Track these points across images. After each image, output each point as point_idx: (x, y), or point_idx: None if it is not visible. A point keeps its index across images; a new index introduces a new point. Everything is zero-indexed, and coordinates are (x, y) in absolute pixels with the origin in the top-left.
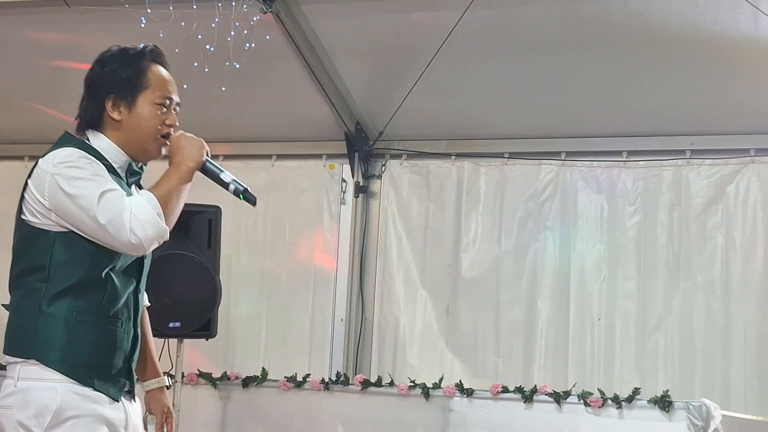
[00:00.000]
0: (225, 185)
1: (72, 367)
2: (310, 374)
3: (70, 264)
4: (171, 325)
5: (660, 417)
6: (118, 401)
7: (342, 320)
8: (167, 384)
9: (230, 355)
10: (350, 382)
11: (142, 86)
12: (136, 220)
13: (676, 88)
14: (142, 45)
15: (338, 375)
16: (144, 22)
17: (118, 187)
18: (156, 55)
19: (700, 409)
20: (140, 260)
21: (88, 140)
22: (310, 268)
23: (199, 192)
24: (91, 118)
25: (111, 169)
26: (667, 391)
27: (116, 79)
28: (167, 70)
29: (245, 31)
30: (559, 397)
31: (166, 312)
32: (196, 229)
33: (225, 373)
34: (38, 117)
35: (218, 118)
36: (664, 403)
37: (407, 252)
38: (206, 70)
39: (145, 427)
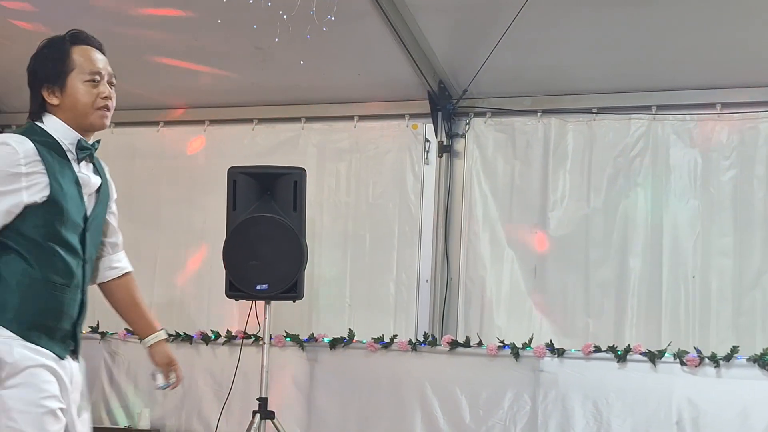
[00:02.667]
0: None
1: (22, 326)
2: (397, 335)
3: (21, 233)
4: (258, 287)
5: (759, 375)
6: (63, 359)
7: (427, 281)
8: (164, 337)
9: (314, 317)
10: (438, 342)
11: (68, 69)
12: None
13: None
14: (67, 31)
15: (425, 336)
16: None
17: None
18: (78, 38)
19: None
20: (83, 234)
21: (41, 123)
22: (394, 229)
23: (284, 154)
24: (35, 107)
25: (58, 149)
26: None
27: (45, 68)
28: (98, 48)
29: None
30: (653, 356)
31: (253, 274)
32: (282, 192)
33: (312, 334)
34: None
35: (301, 80)
36: (763, 361)
37: (493, 211)
38: (290, 31)
39: (154, 379)
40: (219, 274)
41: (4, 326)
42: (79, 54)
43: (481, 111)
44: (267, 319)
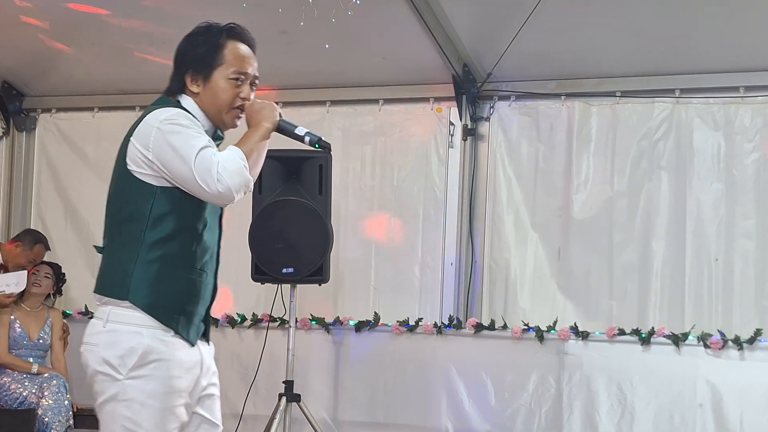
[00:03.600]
0: (300, 138)
1: (159, 310)
2: (422, 318)
3: (167, 216)
4: (284, 270)
5: None
6: (194, 345)
7: (452, 264)
8: None
9: (339, 300)
10: (463, 326)
11: (217, 63)
12: (225, 169)
13: None
14: (226, 23)
15: (450, 319)
16: None
17: (212, 144)
18: (235, 33)
19: None
20: (220, 219)
21: (180, 103)
22: (419, 212)
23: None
24: (175, 88)
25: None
26: None
27: (195, 55)
28: (249, 45)
29: None
30: (677, 339)
31: (279, 258)
32: (307, 175)
33: (337, 317)
34: (148, 67)
35: (325, 64)
36: None
37: (517, 194)
38: (315, 15)
39: None
40: (246, 257)
41: (141, 309)
42: (230, 50)
43: (505, 94)
44: (293, 303)
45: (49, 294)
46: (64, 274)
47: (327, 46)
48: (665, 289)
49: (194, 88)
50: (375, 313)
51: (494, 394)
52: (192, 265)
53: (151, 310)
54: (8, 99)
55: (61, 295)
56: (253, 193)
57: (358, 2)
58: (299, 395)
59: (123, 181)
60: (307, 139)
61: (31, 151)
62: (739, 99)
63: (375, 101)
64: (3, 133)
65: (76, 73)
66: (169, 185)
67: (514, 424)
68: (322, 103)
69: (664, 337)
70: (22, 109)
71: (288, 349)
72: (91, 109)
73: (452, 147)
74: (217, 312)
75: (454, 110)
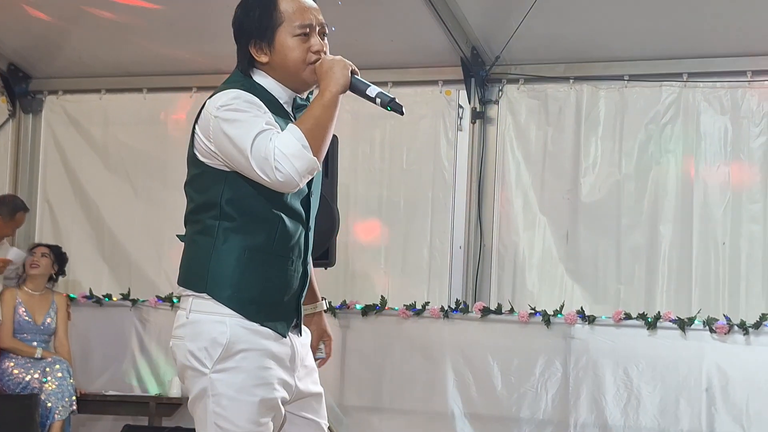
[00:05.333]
0: (372, 99)
1: (242, 304)
2: (429, 302)
3: (241, 202)
4: None
5: None
6: (285, 337)
7: (460, 247)
8: (324, 308)
9: (349, 283)
10: (470, 309)
11: (276, 23)
12: (282, 155)
13: None
14: None
15: (458, 303)
16: None
17: (274, 126)
18: None
19: None
20: (307, 199)
21: (252, 78)
22: (428, 196)
23: None
24: (243, 64)
25: (277, 106)
26: None
27: (251, 21)
28: None
29: None
30: (683, 324)
31: None
32: None
33: (344, 301)
34: (155, 49)
35: (333, 47)
36: None
37: (525, 177)
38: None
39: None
40: None
41: (222, 304)
42: (287, 4)
43: (514, 77)
44: None
45: (51, 276)
46: (64, 253)
47: (333, 28)
48: (672, 273)
49: (262, 58)
50: (381, 296)
51: (501, 378)
52: (274, 252)
53: (232, 303)
54: (14, 81)
55: (65, 275)
56: None
57: None
58: None
59: (194, 169)
60: (378, 100)
61: (38, 134)
62: (746, 83)
63: (384, 84)
64: (9, 115)
65: (83, 55)
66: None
67: (521, 409)
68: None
69: (670, 321)
70: (28, 91)
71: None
72: (98, 91)
73: (461, 130)
74: None
75: (463, 93)
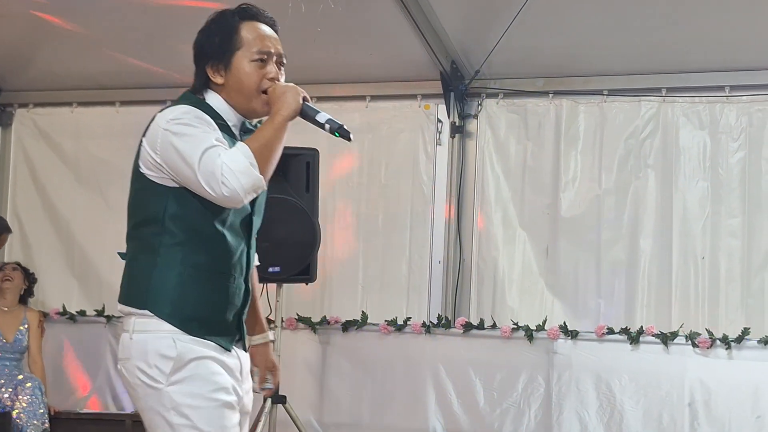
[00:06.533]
0: (321, 125)
1: (183, 321)
2: (410, 317)
3: (183, 219)
4: (270, 269)
5: None
6: (229, 351)
7: (439, 262)
8: (272, 339)
9: (327, 299)
10: (451, 325)
11: (235, 47)
12: (229, 170)
13: None
14: (238, 5)
15: (439, 318)
16: None
17: (222, 143)
18: (249, 13)
19: None
20: (249, 218)
21: (204, 99)
22: (406, 210)
23: (296, 134)
24: (198, 84)
25: (225, 128)
26: None
27: (212, 44)
28: (269, 24)
29: None
30: (666, 338)
31: (265, 256)
32: (294, 173)
33: (324, 317)
34: (128, 62)
35: (312, 60)
36: None
37: (505, 192)
38: (303, 10)
39: (252, 379)
40: None
41: (163, 320)
42: (247, 30)
43: (494, 92)
44: (279, 302)
45: (22, 292)
46: (33, 274)
47: (314, 40)
48: (652, 287)
49: (218, 79)
50: (363, 312)
51: (483, 394)
52: (215, 269)
53: (173, 320)
54: None
55: (33, 296)
56: None
57: None
58: (285, 397)
59: (136, 184)
60: (327, 126)
61: (8, 147)
62: (725, 98)
63: (362, 98)
64: None
65: (55, 68)
66: (182, 186)
67: (504, 424)
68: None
69: (652, 336)
70: None
71: (274, 349)
72: (69, 104)
73: (440, 144)
74: None
75: (442, 107)
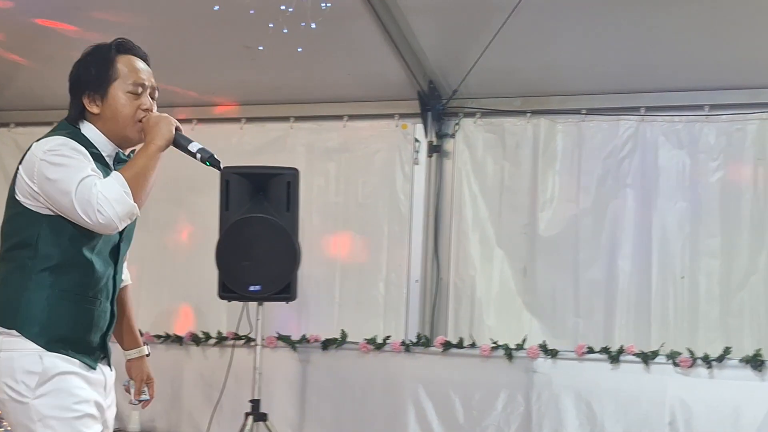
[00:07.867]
0: (193, 155)
1: (50, 341)
2: (390, 336)
3: (55, 245)
4: (251, 288)
5: (751, 376)
6: (94, 368)
7: (417, 281)
8: (147, 353)
9: (304, 317)
10: (431, 343)
11: (111, 78)
12: (105, 199)
13: (759, 38)
14: (114, 39)
15: (419, 337)
16: None
17: (97, 173)
18: (125, 47)
19: None
20: (117, 245)
21: (80, 129)
22: (384, 229)
23: (273, 153)
24: (74, 114)
25: (99, 158)
26: (760, 350)
27: (89, 75)
28: (142, 59)
29: None
30: (646, 357)
31: (245, 275)
32: (275, 192)
33: (304, 336)
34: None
35: (290, 79)
36: (756, 362)
37: (482, 211)
38: (285, 30)
39: (128, 392)
40: (211, 275)
41: (30, 340)
42: (123, 63)
43: (471, 111)
44: (259, 321)
45: None
46: None
47: (300, 49)
48: (631, 307)
49: (94, 109)
50: (342, 331)
51: (463, 412)
52: (83, 294)
53: (39, 339)
54: None
55: None
56: (220, 209)
57: (327, 6)
58: (266, 414)
59: (12, 209)
60: (198, 156)
61: None
62: (704, 117)
63: (339, 117)
64: None
65: (35, 87)
66: (56, 214)
67: None
68: (285, 118)
69: (633, 355)
70: None
71: (254, 367)
72: (50, 123)
73: (417, 164)
74: (180, 330)
75: (420, 127)
